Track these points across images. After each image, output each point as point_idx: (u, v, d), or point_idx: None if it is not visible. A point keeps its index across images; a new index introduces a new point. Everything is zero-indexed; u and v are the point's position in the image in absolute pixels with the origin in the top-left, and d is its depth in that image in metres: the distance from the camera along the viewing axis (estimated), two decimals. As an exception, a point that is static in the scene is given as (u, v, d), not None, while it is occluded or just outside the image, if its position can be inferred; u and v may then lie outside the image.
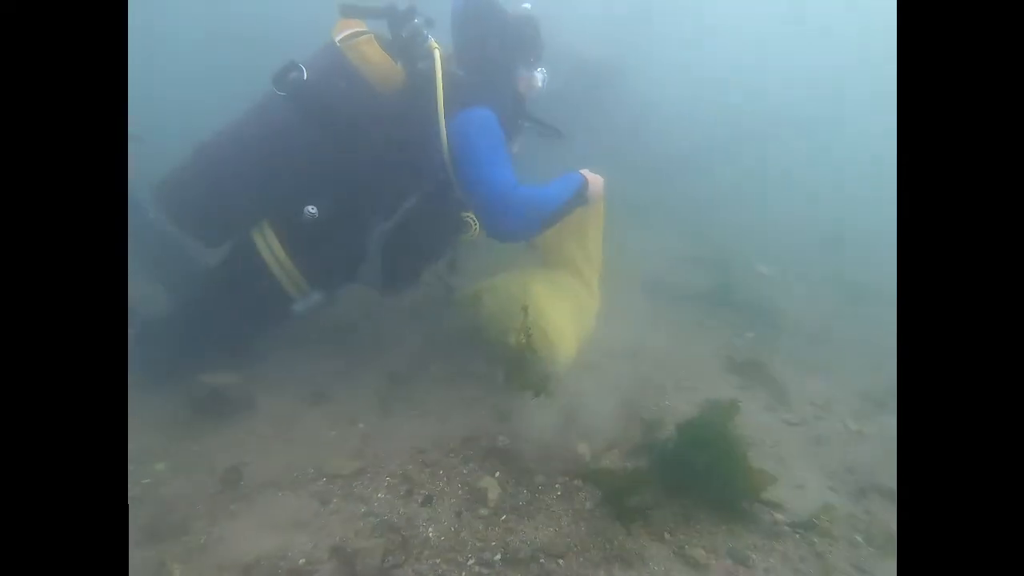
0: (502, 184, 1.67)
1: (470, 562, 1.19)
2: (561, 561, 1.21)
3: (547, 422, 1.72)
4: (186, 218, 1.74)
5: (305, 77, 1.67)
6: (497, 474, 1.48)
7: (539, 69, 1.98)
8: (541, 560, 1.21)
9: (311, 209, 1.70)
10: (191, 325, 1.79)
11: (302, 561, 1.17)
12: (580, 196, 1.86)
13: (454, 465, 1.51)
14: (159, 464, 1.47)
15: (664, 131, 5.63)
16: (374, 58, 1.72)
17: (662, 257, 3.58)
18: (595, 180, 1.93)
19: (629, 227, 3.99)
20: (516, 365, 1.82)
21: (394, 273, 1.87)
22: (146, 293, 1.95)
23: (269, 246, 1.73)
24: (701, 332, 2.56)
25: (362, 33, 1.74)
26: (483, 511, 1.35)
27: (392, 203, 1.79)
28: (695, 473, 1.37)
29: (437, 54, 1.73)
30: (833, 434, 1.92)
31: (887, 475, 1.66)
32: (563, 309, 1.99)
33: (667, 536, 1.31)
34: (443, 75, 1.74)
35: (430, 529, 1.27)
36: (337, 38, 1.74)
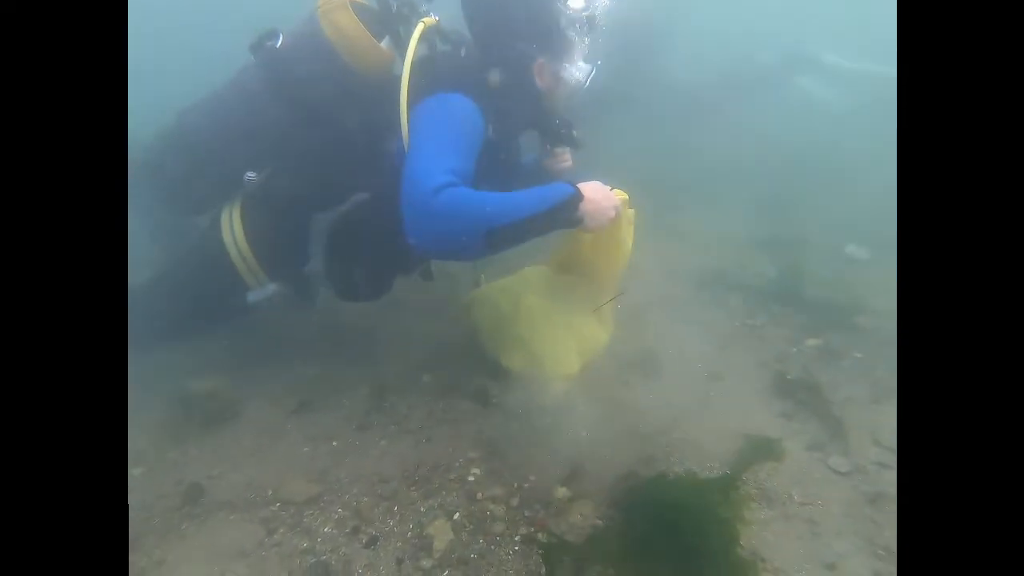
0: (423, 174, 1.27)
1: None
2: (493, 640, 1.06)
3: (532, 454, 1.54)
4: (162, 189, 1.72)
5: (278, 45, 1.56)
6: (456, 515, 1.35)
7: (573, 62, 1.60)
8: (470, 636, 1.07)
9: (251, 175, 1.61)
10: (154, 299, 1.76)
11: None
12: (561, 214, 1.38)
13: (412, 500, 1.39)
14: (135, 469, 1.53)
15: (723, 99, 4.81)
16: (348, 30, 1.54)
17: (721, 239, 3.12)
18: (596, 196, 1.44)
19: (679, 207, 3.58)
20: (510, 383, 1.65)
21: (342, 278, 1.73)
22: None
23: (232, 226, 1.66)
24: (751, 338, 2.18)
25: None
26: (426, 562, 1.22)
27: (341, 192, 1.67)
28: (663, 554, 1.14)
29: (419, 28, 1.51)
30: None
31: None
32: (561, 324, 1.76)
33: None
34: (425, 56, 1.53)
35: (363, 579, 1.18)
36: (319, 2, 1.57)
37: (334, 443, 1.62)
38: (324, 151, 1.62)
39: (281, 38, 1.62)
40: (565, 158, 1.93)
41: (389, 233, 1.44)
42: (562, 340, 1.75)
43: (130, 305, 1.70)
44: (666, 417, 1.69)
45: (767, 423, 1.69)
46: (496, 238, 1.29)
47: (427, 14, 1.59)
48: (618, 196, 1.58)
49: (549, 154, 1.91)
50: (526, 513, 1.35)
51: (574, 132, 1.79)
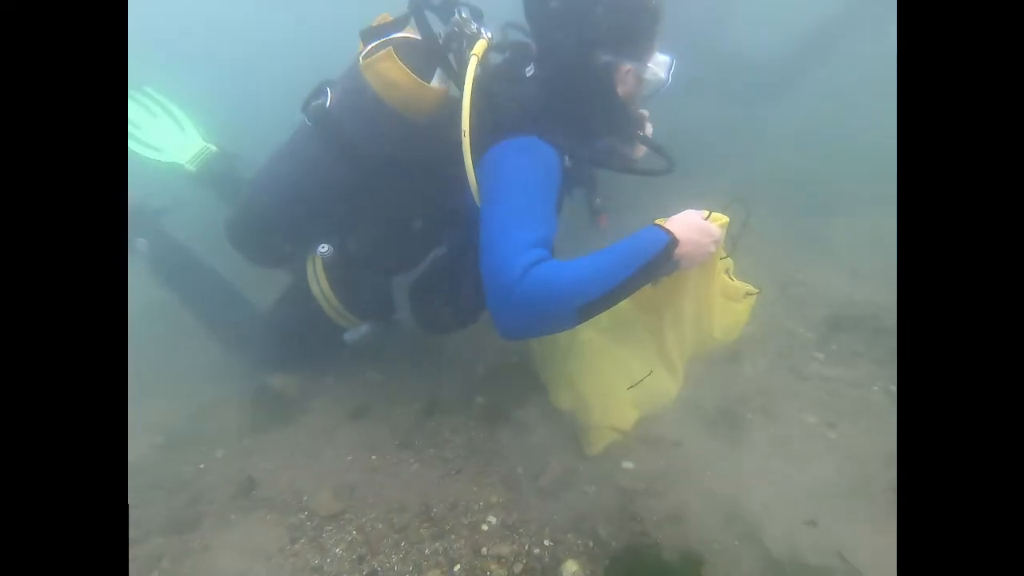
0: (502, 262, 1.17)
1: None
2: None
3: (554, 514, 1.41)
4: (249, 253, 1.83)
5: (328, 104, 1.53)
6: (456, 567, 1.30)
7: (652, 59, 1.40)
8: None
9: (323, 248, 1.63)
10: (273, 344, 1.91)
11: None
12: (655, 268, 1.21)
13: (421, 539, 1.38)
14: (219, 451, 1.76)
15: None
16: (392, 77, 1.42)
17: (878, 257, 2.48)
18: (692, 235, 1.24)
19: (822, 207, 2.91)
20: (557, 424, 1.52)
21: (430, 321, 1.67)
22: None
23: (318, 281, 1.73)
24: (887, 413, 1.69)
25: (385, 44, 1.45)
26: (410, 614, 1.20)
27: (415, 253, 1.62)
28: None
29: (472, 61, 1.35)
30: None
31: None
32: (620, 368, 1.55)
33: None
34: (486, 86, 1.37)
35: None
36: (363, 52, 1.49)
37: (373, 457, 1.67)
38: (391, 212, 1.59)
39: (329, 94, 1.55)
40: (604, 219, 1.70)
41: (471, 283, 1.40)
42: (617, 387, 1.55)
43: (247, 341, 1.92)
44: (731, 504, 1.41)
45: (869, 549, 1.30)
46: (589, 311, 1.18)
47: (479, 35, 1.41)
48: (716, 223, 1.32)
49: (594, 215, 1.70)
50: (525, 580, 1.24)
51: (643, 133, 1.54)
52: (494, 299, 1.19)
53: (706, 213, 1.30)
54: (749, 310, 1.52)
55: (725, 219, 1.32)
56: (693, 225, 1.26)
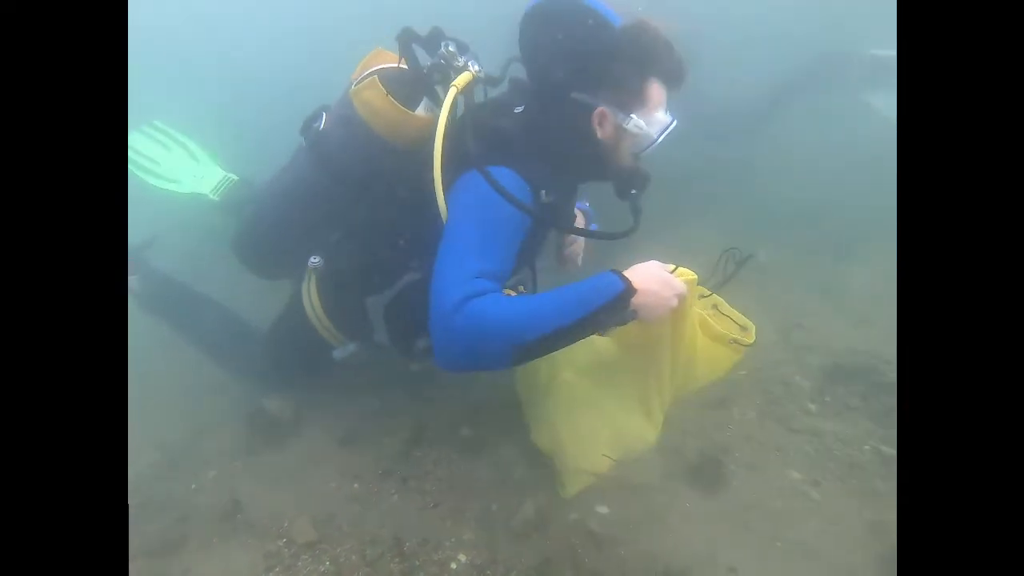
0: (444, 289, 1.19)
1: None
2: None
3: (522, 555, 1.42)
4: (254, 267, 1.91)
5: (321, 127, 1.61)
6: (418, 607, 1.32)
7: (640, 113, 1.39)
8: None
9: (314, 259, 1.70)
10: (269, 359, 1.98)
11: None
12: (606, 315, 1.20)
13: (390, 574, 1.40)
14: (212, 472, 1.83)
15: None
16: (376, 105, 1.48)
17: (891, 306, 2.41)
18: (652, 285, 1.24)
19: (841, 247, 2.83)
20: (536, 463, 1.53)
21: (406, 348, 1.71)
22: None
23: (311, 298, 1.79)
24: (877, 476, 1.64)
25: (374, 73, 1.52)
26: (369, 651, 1.22)
27: (393, 272, 1.65)
28: None
29: (450, 95, 1.38)
30: None
31: None
32: (597, 412, 1.56)
33: None
34: (461, 117, 1.41)
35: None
36: (354, 82, 1.57)
37: (356, 485, 1.71)
38: (371, 232, 1.65)
39: (324, 118, 1.63)
40: (577, 248, 1.73)
41: None
42: (593, 431, 1.56)
43: (248, 364, 1.99)
44: (701, 562, 1.39)
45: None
46: (526, 353, 1.18)
47: (465, 68, 1.44)
48: (682, 278, 1.33)
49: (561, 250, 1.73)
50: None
51: (633, 191, 1.51)
52: (433, 326, 1.20)
53: (672, 267, 1.30)
54: (737, 355, 1.50)
55: (692, 275, 1.32)
56: (655, 277, 1.26)
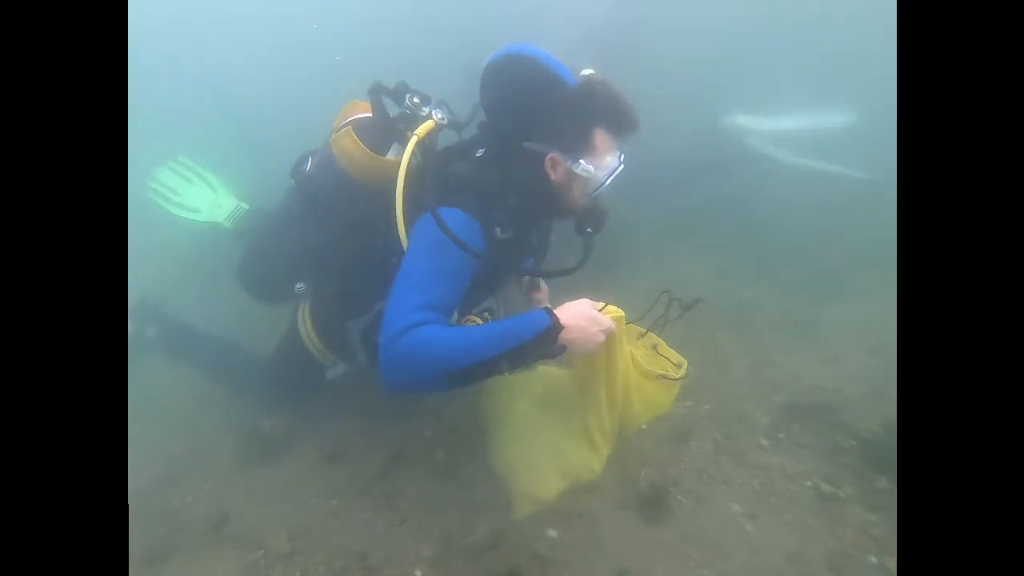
0: (389, 320, 1.33)
1: None
2: None
3: (477, 571, 1.55)
4: (255, 293, 2.11)
5: (307, 169, 1.83)
6: (375, 616, 1.46)
7: (588, 159, 1.50)
8: None
9: (299, 286, 1.91)
10: (271, 380, 2.18)
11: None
12: (535, 349, 1.30)
13: (352, 584, 1.55)
14: (208, 485, 2.02)
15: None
16: (350, 151, 1.68)
17: (860, 347, 2.48)
18: (579, 322, 1.34)
19: (821, 290, 2.91)
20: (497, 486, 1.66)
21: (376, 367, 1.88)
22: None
23: (304, 323, 2.00)
24: (814, 514, 1.68)
25: (352, 121, 1.73)
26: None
27: (368, 299, 1.80)
28: None
29: (411, 143, 1.53)
30: None
31: None
32: (545, 442, 1.69)
33: None
34: (423, 161, 1.58)
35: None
36: (335, 128, 1.79)
37: (333, 502, 1.87)
38: (346, 265, 1.83)
39: (310, 162, 1.84)
40: (541, 292, 1.88)
41: None
42: (542, 459, 1.68)
43: (253, 384, 2.20)
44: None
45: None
46: (459, 379, 1.30)
47: (428, 117, 1.61)
48: (610, 315, 1.43)
49: (528, 289, 1.88)
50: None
51: (588, 231, 1.64)
52: (380, 351, 1.32)
53: (601, 305, 1.41)
54: (672, 390, 1.61)
55: (620, 312, 1.43)
56: (582, 314, 1.36)
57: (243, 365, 2.28)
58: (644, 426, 2.03)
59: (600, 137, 1.53)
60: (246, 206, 2.44)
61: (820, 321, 2.74)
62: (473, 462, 1.94)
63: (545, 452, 1.68)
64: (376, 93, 1.69)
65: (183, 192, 2.45)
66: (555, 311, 1.36)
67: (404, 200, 1.51)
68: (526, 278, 1.93)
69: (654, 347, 1.63)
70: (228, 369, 2.31)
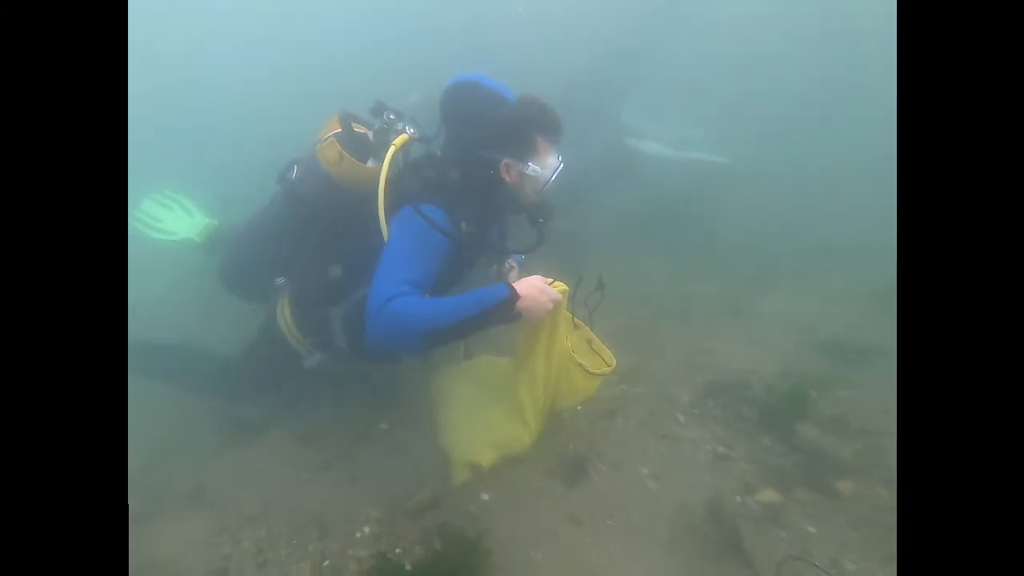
0: (378, 292, 1.60)
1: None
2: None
3: (416, 529, 1.80)
4: (237, 290, 2.35)
5: (293, 176, 2.08)
6: (326, 563, 1.71)
7: (534, 161, 1.82)
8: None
9: (280, 280, 2.15)
10: (246, 374, 2.38)
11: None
12: (496, 314, 1.61)
13: (309, 540, 1.80)
14: (186, 462, 2.27)
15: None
16: (333, 160, 1.95)
17: (789, 334, 2.72)
18: (532, 292, 1.64)
19: (765, 284, 3.14)
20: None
21: (355, 349, 2.11)
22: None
23: (283, 315, 2.21)
24: (706, 470, 1.91)
25: (334, 135, 1.99)
26: (280, 592, 1.62)
27: (346, 291, 2.07)
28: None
29: (391, 151, 1.84)
30: None
31: None
32: (482, 416, 1.95)
33: None
34: (400, 169, 1.89)
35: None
36: (319, 141, 2.02)
37: (303, 475, 2.13)
38: (331, 258, 2.07)
39: (296, 169, 2.10)
40: (511, 269, 2.13)
41: None
42: (477, 431, 1.94)
43: (229, 372, 2.38)
44: (549, 532, 1.74)
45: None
46: (433, 339, 1.61)
47: (403, 131, 1.92)
48: (557, 288, 1.72)
49: (499, 269, 2.16)
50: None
51: (540, 220, 1.98)
52: (366, 318, 1.60)
53: (551, 280, 1.71)
54: (594, 381, 1.87)
55: (564, 287, 1.72)
56: (535, 286, 1.66)
57: (218, 368, 2.45)
58: (580, 407, 2.28)
59: (541, 141, 1.85)
60: (216, 222, 2.68)
61: (753, 309, 2.98)
62: (423, 440, 2.18)
63: (481, 426, 1.94)
64: (346, 119, 2.02)
65: (164, 219, 2.67)
66: (513, 284, 1.66)
67: (385, 198, 1.80)
68: (500, 266, 2.20)
69: (588, 341, 1.89)
70: (202, 378, 2.45)
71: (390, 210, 1.82)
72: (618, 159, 4.56)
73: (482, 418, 1.95)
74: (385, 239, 1.79)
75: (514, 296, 1.63)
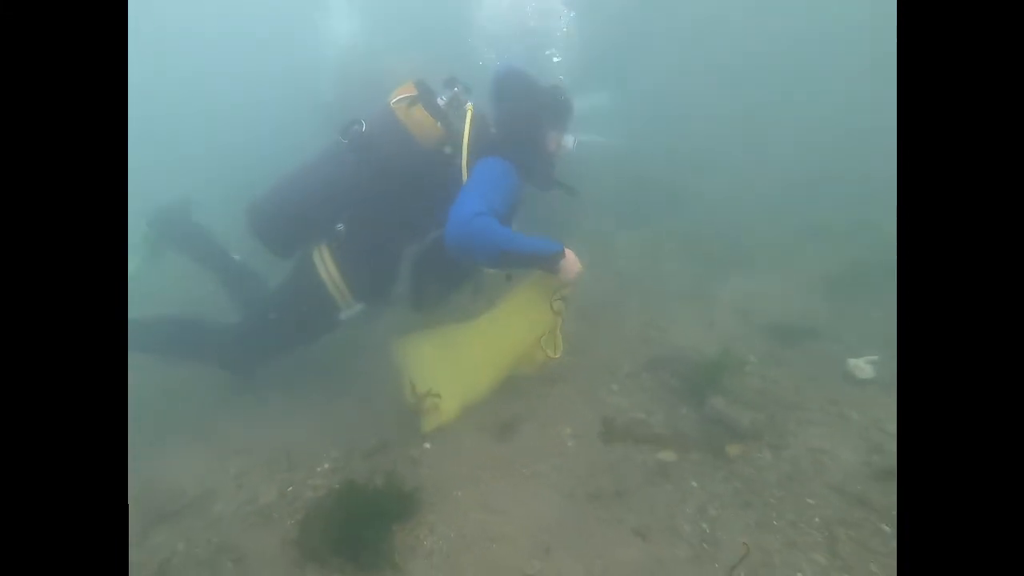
0: (469, 205, 1.98)
1: (214, 540, 1.89)
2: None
3: (365, 468, 2.13)
4: (267, 236, 2.38)
5: (363, 129, 2.29)
6: (290, 488, 2.07)
7: (568, 134, 2.41)
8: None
9: (340, 227, 2.32)
10: (260, 332, 2.58)
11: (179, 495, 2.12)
12: (547, 259, 2.09)
13: (279, 470, 2.17)
14: (192, 405, 2.70)
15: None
16: (416, 117, 2.26)
17: (739, 315, 2.84)
18: (572, 261, 2.13)
19: (734, 264, 3.24)
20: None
21: (422, 292, 2.40)
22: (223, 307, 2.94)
23: (324, 263, 2.35)
24: (616, 433, 2.17)
25: (411, 98, 2.29)
26: (248, 508, 2.00)
27: (421, 232, 2.36)
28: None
29: (469, 114, 2.27)
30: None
31: None
32: (446, 373, 2.25)
33: None
34: (473, 130, 2.25)
35: (216, 505, 2.04)
36: (392, 101, 2.31)
37: (282, 421, 2.50)
38: (406, 203, 2.32)
39: (364, 124, 2.30)
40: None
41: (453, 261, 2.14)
42: (442, 386, 2.23)
43: (242, 329, 2.62)
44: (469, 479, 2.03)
45: (548, 515, 1.84)
46: (503, 258, 2.05)
47: (467, 103, 2.33)
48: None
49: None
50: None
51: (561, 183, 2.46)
52: (452, 223, 1.99)
53: (585, 261, 2.18)
54: (538, 360, 2.25)
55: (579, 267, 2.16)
56: (575, 259, 2.15)
57: (225, 336, 2.62)
58: (529, 372, 2.53)
59: (568, 123, 2.40)
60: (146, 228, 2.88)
61: (715, 291, 3.11)
62: (384, 397, 2.49)
63: (443, 381, 2.24)
64: (424, 85, 2.37)
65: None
66: (567, 246, 2.13)
67: (468, 151, 2.21)
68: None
69: (556, 328, 2.21)
70: (212, 349, 2.61)
71: (472, 159, 2.21)
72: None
73: (444, 375, 2.25)
74: (464, 181, 2.17)
75: (562, 253, 2.10)
